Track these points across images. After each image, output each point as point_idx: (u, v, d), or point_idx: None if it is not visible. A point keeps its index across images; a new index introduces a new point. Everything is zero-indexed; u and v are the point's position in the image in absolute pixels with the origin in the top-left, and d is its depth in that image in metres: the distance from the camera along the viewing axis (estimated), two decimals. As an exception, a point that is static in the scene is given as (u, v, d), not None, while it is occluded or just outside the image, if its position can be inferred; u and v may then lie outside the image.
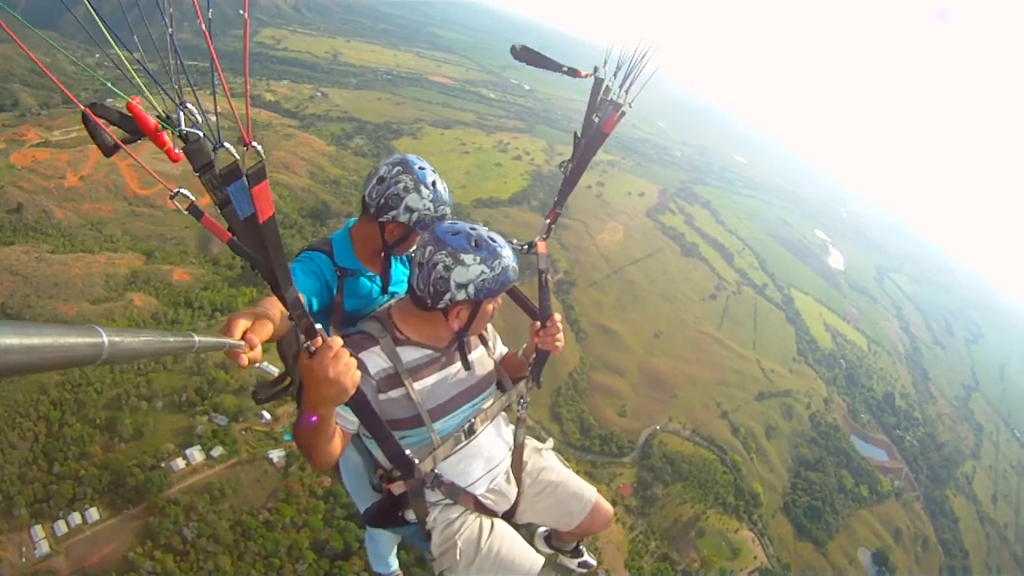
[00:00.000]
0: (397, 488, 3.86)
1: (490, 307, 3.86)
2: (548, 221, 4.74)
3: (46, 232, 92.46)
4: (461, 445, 3.98)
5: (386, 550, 6.44)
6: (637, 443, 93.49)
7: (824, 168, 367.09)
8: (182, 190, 2.25)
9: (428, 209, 4.13)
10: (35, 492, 60.59)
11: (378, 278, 4.52)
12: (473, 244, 3.60)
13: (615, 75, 4.21)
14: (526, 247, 4.51)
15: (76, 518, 59.82)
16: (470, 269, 3.57)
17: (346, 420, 3.52)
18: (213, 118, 2.25)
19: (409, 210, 4.11)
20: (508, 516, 4.42)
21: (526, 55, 4.46)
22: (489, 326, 4.37)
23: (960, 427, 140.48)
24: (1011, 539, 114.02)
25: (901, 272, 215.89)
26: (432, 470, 3.88)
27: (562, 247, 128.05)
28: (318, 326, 2.82)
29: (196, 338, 1.97)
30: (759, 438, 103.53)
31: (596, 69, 4.24)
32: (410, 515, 4.08)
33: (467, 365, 4.05)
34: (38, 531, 58.32)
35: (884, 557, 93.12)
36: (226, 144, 2.25)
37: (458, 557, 4.00)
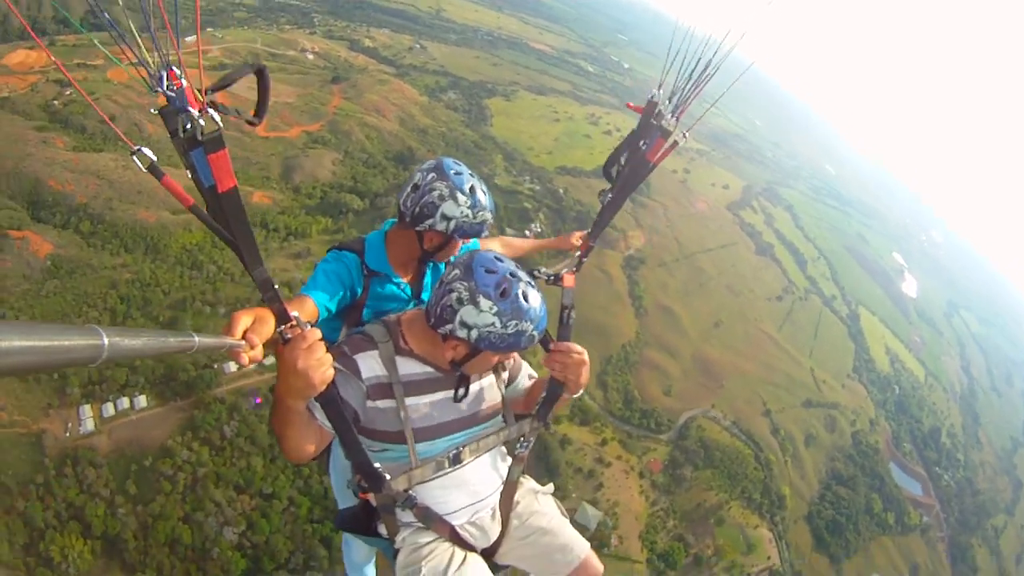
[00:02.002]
0: (372, 499, 3.75)
1: (493, 359, 3.64)
2: (579, 254, 4.53)
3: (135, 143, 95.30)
4: (443, 472, 3.74)
5: (362, 559, 6.37)
6: (676, 423, 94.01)
7: (914, 189, 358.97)
8: (143, 148, 2.26)
9: (466, 216, 3.97)
10: (89, 374, 63.64)
11: (407, 285, 4.42)
12: (499, 293, 3.31)
13: (670, 100, 3.97)
14: (552, 278, 4.19)
15: (124, 403, 63.42)
16: (481, 315, 3.31)
17: (325, 419, 3.32)
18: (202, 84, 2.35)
19: (446, 218, 3.95)
20: (488, 555, 4.16)
21: (609, 168, 4.27)
22: (511, 360, 4.15)
23: (1000, 479, 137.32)
24: None
25: (972, 311, 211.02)
26: (406, 490, 3.66)
27: (637, 224, 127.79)
28: (294, 313, 2.81)
29: (196, 338, 2.02)
30: (797, 443, 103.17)
31: (652, 95, 3.98)
32: (383, 529, 3.94)
33: (457, 398, 3.76)
34: (86, 410, 61.85)
35: None
36: (189, 108, 2.27)
37: None
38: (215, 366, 67.13)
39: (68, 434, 59.65)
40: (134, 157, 2.21)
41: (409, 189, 4.04)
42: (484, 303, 3.28)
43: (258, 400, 63.71)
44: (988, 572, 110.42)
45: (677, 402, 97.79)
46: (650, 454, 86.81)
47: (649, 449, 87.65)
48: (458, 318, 3.34)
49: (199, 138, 2.27)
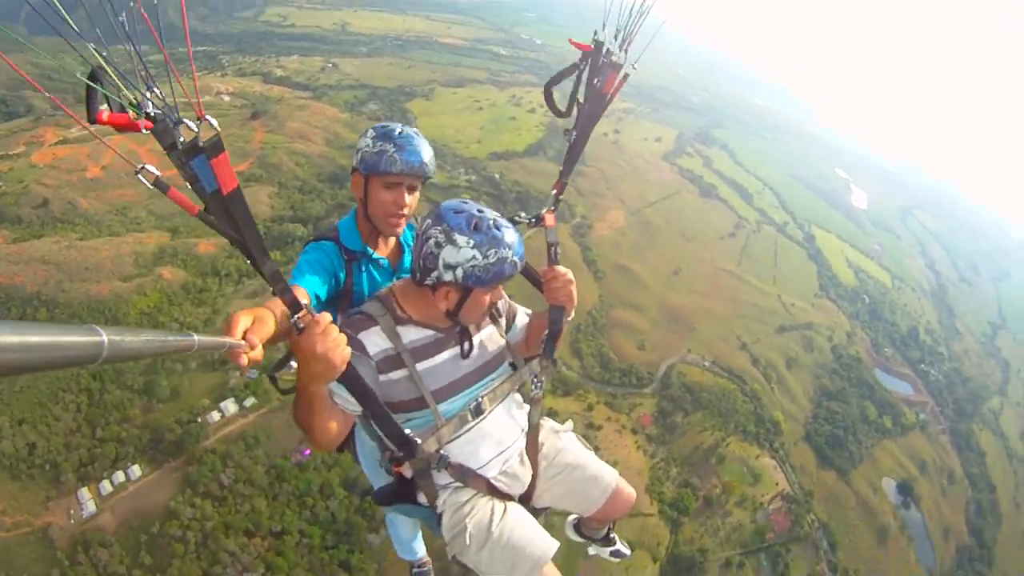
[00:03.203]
0: (406, 470, 3.77)
1: (484, 298, 3.63)
2: (555, 192, 4.55)
3: (73, 222, 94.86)
4: (468, 426, 3.83)
5: (408, 535, 6.36)
6: (656, 375, 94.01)
7: (843, 114, 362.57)
8: (147, 166, 2.24)
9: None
10: (80, 457, 63.60)
11: (386, 260, 4.46)
12: (472, 227, 3.38)
13: (615, 37, 4.08)
14: (533, 220, 4.40)
15: (120, 476, 62.58)
16: (461, 251, 3.35)
17: (347, 402, 3.41)
18: (183, 100, 2.33)
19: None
20: (524, 500, 4.28)
21: (551, 85, 4.44)
22: (503, 301, 4.26)
23: (987, 363, 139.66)
24: None
25: (925, 211, 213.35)
26: (437, 451, 3.73)
27: (578, 193, 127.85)
28: (304, 301, 2.82)
29: (196, 337, 2.02)
30: (779, 369, 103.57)
31: (596, 33, 4.08)
32: (422, 498, 3.99)
33: (464, 353, 3.85)
34: (84, 493, 60.92)
35: (909, 488, 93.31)
36: (185, 120, 2.28)
37: (468, 541, 3.87)
38: (198, 420, 67.27)
39: (72, 521, 59.01)
40: (139, 176, 2.27)
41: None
42: (460, 239, 3.34)
43: (307, 452, 63.72)
44: (995, 453, 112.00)
45: (653, 354, 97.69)
46: (638, 409, 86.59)
47: (636, 405, 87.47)
48: (440, 261, 3.40)
49: (200, 145, 2.35)
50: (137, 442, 65.29)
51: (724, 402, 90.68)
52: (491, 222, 3.41)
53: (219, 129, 2.33)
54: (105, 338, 1.38)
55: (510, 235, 3.44)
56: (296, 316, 2.80)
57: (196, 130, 2.29)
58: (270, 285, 2.72)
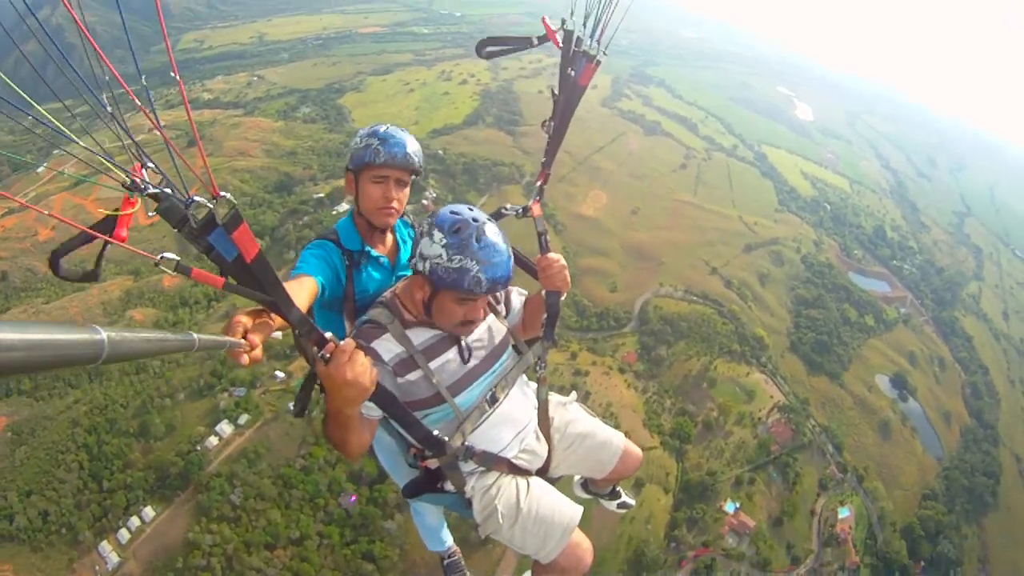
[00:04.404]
0: (432, 463, 3.91)
1: (454, 306, 3.61)
2: (539, 183, 4.61)
3: (36, 288, 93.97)
4: (486, 415, 3.95)
5: (436, 524, 6.12)
6: (633, 313, 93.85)
7: (773, 34, 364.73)
8: (166, 254, 2.22)
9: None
10: (93, 513, 62.92)
11: (385, 258, 4.43)
12: (453, 229, 3.40)
13: (584, 24, 4.05)
14: (521, 211, 4.50)
15: (135, 522, 62.11)
16: (432, 246, 3.41)
17: (370, 409, 3.51)
18: (173, 171, 2.38)
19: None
20: (542, 472, 4.44)
21: (489, 46, 4.31)
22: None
23: (958, 251, 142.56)
24: None
25: (873, 114, 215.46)
26: (463, 444, 3.87)
27: (523, 153, 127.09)
28: (328, 334, 2.84)
29: (196, 336, 2.03)
30: (753, 286, 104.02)
31: (564, 22, 4.07)
32: (448, 486, 4.07)
33: (465, 359, 3.88)
34: (105, 546, 60.28)
35: (903, 380, 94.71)
36: (197, 198, 2.30)
37: (500, 520, 4.02)
38: (198, 448, 66.97)
39: None
40: (160, 266, 2.25)
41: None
42: (437, 235, 3.42)
43: (353, 499, 63.64)
44: (981, 336, 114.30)
45: (626, 294, 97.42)
46: (621, 350, 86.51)
47: (619, 346, 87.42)
48: (418, 249, 3.53)
49: (219, 222, 2.37)
50: (144, 484, 64.76)
51: (704, 327, 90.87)
52: (474, 233, 3.38)
53: (236, 202, 2.34)
54: (105, 337, 1.38)
55: (486, 252, 3.38)
56: (322, 350, 2.83)
57: (211, 207, 2.31)
58: (296, 329, 2.75)
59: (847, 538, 70.23)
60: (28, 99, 1.89)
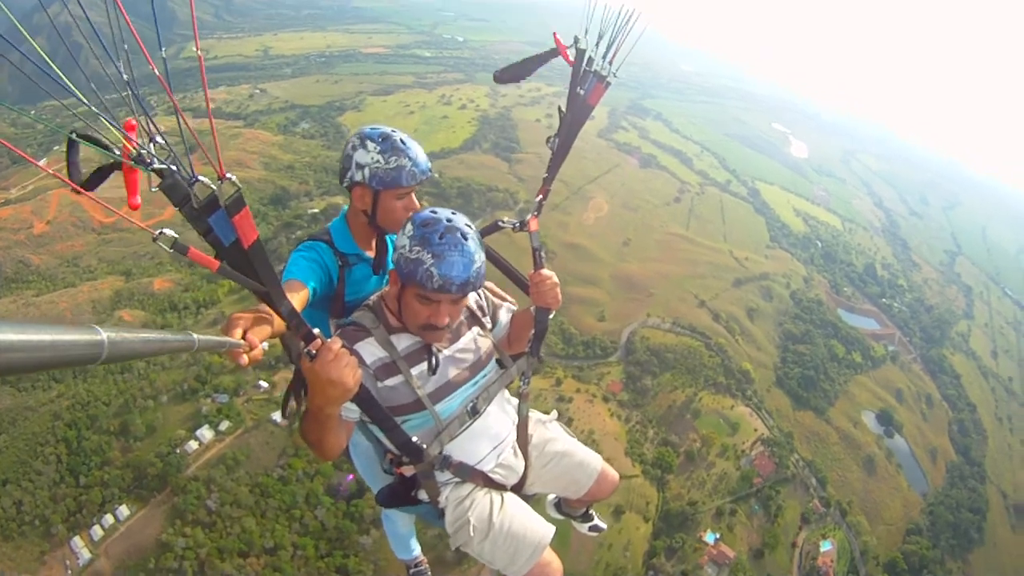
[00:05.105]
0: (408, 471, 3.97)
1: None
2: (539, 198, 4.63)
3: (27, 280, 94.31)
4: (466, 425, 3.97)
5: (405, 533, 6.39)
6: (620, 342, 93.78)
7: (769, 70, 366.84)
8: (165, 230, 2.22)
9: (377, 162, 4.02)
10: (68, 507, 63.05)
11: (374, 261, 4.50)
12: (421, 224, 3.51)
13: (597, 44, 4.09)
14: (517, 225, 4.57)
15: (109, 519, 62.10)
16: (401, 238, 3.55)
17: (348, 410, 3.57)
18: (182, 152, 2.33)
19: (359, 167, 4.03)
20: (517, 488, 4.44)
21: (509, 73, 4.34)
22: (486, 302, 4.39)
23: (948, 290, 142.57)
24: (1019, 392, 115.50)
25: (867, 152, 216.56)
26: (440, 453, 3.91)
27: (518, 179, 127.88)
28: (316, 331, 2.89)
29: (195, 337, 2.04)
30: (741, 320, 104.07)
31: (577, 40, 4.09)
32: (422, 494, 4.12)
33: (431, 367, 3.89)
34: (77, 541, 60.41)
35: (889, 416, 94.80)
36: (202, 178, 2.31)
37: (472, 533, 4.02)
38: (177, 451, 67.25)
39: (70, 572, 58.68)
40: (158, 242, 2.25)
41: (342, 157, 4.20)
42: (408, 227, 3.55)
43: (350, 477, 62.01)
44: (969, 373, 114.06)
45: (613, 324, 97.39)
46: (606, 378, 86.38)
47: (604, 374, 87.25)
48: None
49: (222, 203, 2.40)
50: (121, 482, 64.72)
51: (691, 359, 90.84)
52: (441, 230, 3.46)
53: (240, 185, 2.37)
54: (105, 337, 1.38)
55: (445, 249, 3.44)
56: (308, 345, 2.86)
57: (215, 188, 2.32)
58: (287, 322, 2.79)
59: (828, 571, 70.00)
60: (48, 58, 1.82)
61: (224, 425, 70.04)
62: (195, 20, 2.33)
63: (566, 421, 75.23)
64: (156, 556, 58.26)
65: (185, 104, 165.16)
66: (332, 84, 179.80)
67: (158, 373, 75.20)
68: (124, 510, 62.53)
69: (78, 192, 2.19)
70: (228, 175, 2.29)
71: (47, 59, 1.77)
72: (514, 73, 4.30)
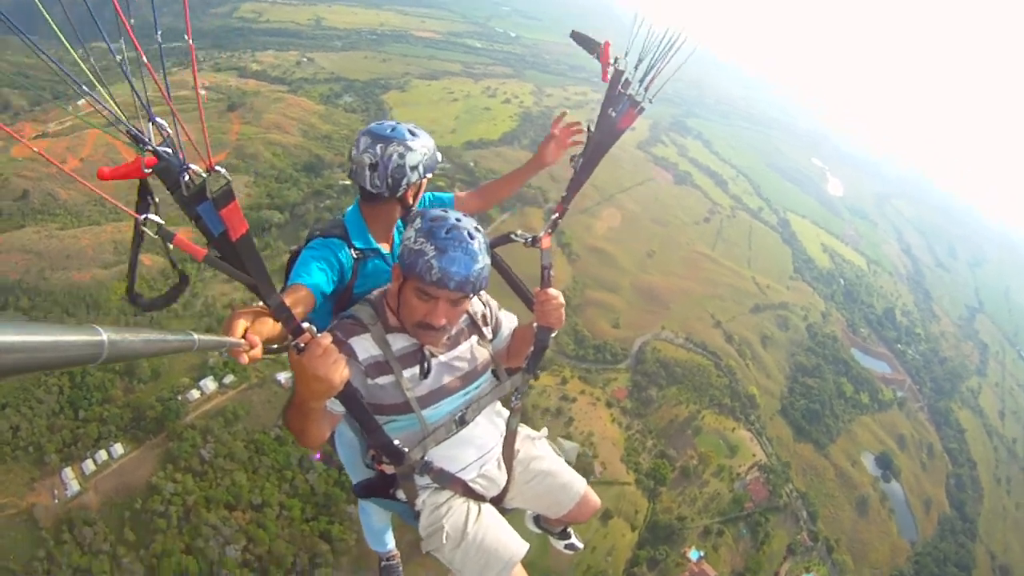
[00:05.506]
0: (388, 469, 3.93)
1: (416, 302, 3.60)
2: (555, 216, 4.49)
3: (53, 213, 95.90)
4: (451, 433, 3.94)
5: (381, 527, 6.47)
6: (631, 351, 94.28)
7: (820, 106, 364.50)
8: (150, 216, 2.30)
9: (425, 154, 4.14)
10: (63, 438, 64.19)
11: (390, 255, 4.50)
12: (430, 218, 3.48)
13: (636, 67, 3.96)
14: (530, 240, 4.40)
15: (102, 455, 63.36)
16: (409, 230, 3.53)
17: (334, 404, 3.51)
18: (184, 137, 2.34)
19: (415, 169, 4.10)
20: (497, 501, 4.43)
21: (582, 38, 4.32)
22: (490, 312, 4.35)
23: (964, 345, 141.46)
24: (1021, 454, 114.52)
25: (902, 198, 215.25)
26: (422, 457, 3.88)
27: (551, 178, 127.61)
28: (305, 324, 2.85)
29: (196, 336, 2.02)
30: (754, 346, 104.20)
31: (616, 60, 4.00)
32: (400, 494, 4.11)
33: (424, 373, 3.85)
34: (68, 473, 61.55)
35: (889, 461, 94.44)
36: (192, 166, 2.29)
37: (444, 540, 4.01)
38: (179, 398, 68.43)
39: (57, 501, 59.58)
40: (144, 227, 2.32)
41: (368, 171, 4.10)
42: (417, 222, 3.47)
43: (318, 456, 65.73)
44: (974, 430, 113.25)
45: (627, 331, 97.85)
46: (612, 384, 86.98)
47: (611, 380, 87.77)
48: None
49: (209, 195, 2.35)
50: (119, 421, 65.86)
51: (699, 377, 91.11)
52: (448, 225, 3.41)
53: (230, 178, 2.32)
54: (105, 337, 1.37)
55: (448, 244, 3.36)
56: (297, 338, 2.83)
57: (205, 177, 2.28)
58: (275, 317, 2.75)
59: (807, 605, 70.36)
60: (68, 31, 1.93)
61: (229, 379, 71.40)
62: (188, 15, 2.30)
63: (566, 421, 75.32)
64: (144, 497, 59.32)
65: (232, 63, 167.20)
66: (380, 62, 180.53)
67: (171, 320, 74.66)
68: (119, 448, 63.81)
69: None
70: (217, 167, 2.30)
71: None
72: (584, 41, 4.26)
